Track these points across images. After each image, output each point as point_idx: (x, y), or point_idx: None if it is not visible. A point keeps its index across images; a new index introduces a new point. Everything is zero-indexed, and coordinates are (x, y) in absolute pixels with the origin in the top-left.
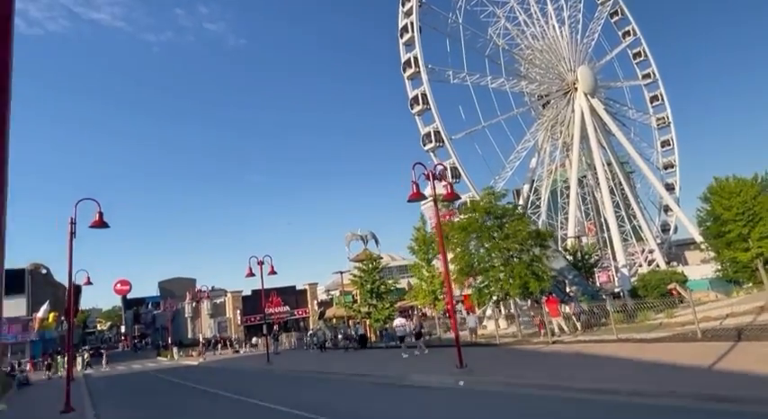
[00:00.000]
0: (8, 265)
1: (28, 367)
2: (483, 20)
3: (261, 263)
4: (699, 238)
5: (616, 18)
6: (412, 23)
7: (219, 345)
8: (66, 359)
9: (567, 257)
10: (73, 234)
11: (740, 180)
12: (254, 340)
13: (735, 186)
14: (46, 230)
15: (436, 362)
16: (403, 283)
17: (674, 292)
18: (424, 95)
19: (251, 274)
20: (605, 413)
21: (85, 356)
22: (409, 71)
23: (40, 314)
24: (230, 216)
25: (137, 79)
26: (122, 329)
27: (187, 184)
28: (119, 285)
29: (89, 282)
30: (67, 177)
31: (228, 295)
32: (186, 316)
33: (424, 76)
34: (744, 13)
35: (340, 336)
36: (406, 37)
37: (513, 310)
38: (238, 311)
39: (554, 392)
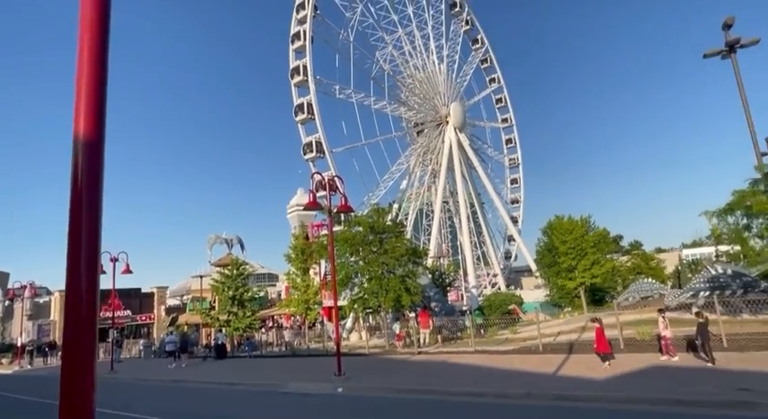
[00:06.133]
0: None
1: None
2: (372, 43)
3: (114, 260)
4: (533, 267)
5: (486, 65)
6: (305, 32)
7: (47, 350)
8: None
9: (428, 275)
10: None
11: (572, 220)
12: None
13: (569, 224)
14: None
15: (312, 370)
16: (262, 293)
17: (515, 312)
18: (309, 105)
19: (101, 272)
20: (478, 412)
21: None
22: (297, 78)
23: None
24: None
25: None
26: None
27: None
28: None
29: None
30: None
31: (56, 294)
32: None
33: (311, 86)
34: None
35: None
36: (297, 44)
37: (379, 322)
38: None
39: (430, 396)
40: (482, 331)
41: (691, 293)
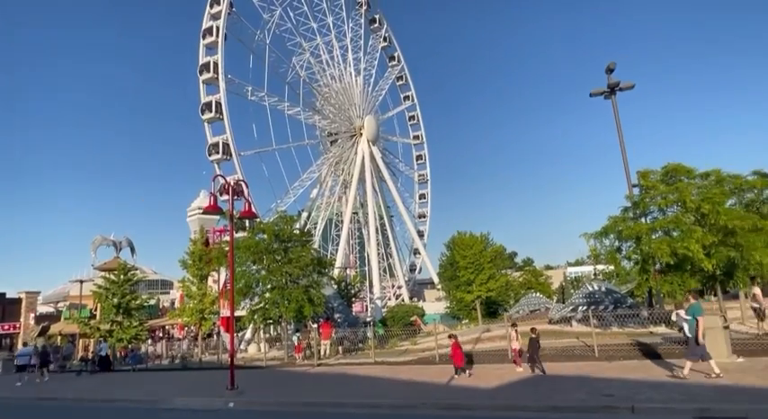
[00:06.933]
0: None
1: None
2: (289, 47)
3: None
4: (436, 280)
5: (401, 83)
6: (218, 28)
7: None
8: None
9: (333, 286)
10: None
11: (474, 236)
12: None
13: (469, 240)
14: None
15: (203, 385)
16: (152, 300)
17: (416, 324)
18: (218, 104)
19: None
20: None
21: None
22: (206, 75)
23: None
24: None
25: None
26: None
27: None
28: None
29: None
30: None
31: None
32: None
33: (221, 85)
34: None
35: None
36: (209, 40)
37: (280, 333)
38: None
39: (325, 408)
40: (384, 342)
41: (571, 307)
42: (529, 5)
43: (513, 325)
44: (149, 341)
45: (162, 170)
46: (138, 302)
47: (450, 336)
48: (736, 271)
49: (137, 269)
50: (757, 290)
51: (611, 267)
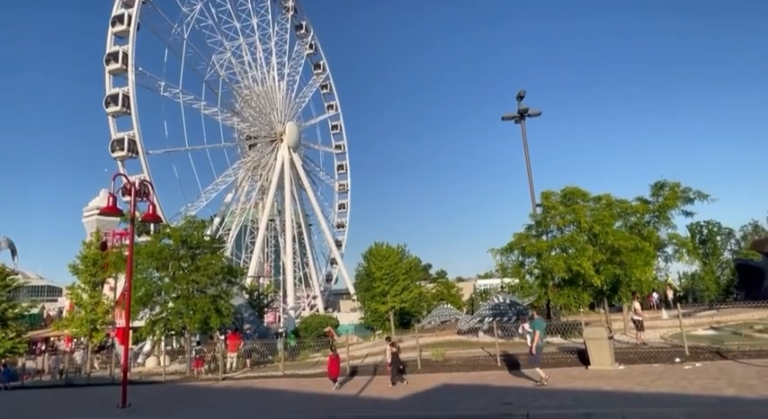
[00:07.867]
0: None
1: None
2: (209, 45)
3: None
4: (352, 290)
5: (325, 91)
6: (130, 17)
7: None
8: None
9: (245, 295)
10: None
11: (390, 247)
12: None
13: (386, 252)
14: None
15: (90, 403)
16: (35, 309)
17: (330, 334)
18: (125, 97)
19: None
20: None
21: None
22: (114, 65)
23: None
24: None
25: None
26: None
27: None
28: None
29: None
30: None
31: None
32: None
33: (130, 77)
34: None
35: None
36: (119, 28)
37: (183, 345)
38: None
39: None
40: (295, 354)
41: (478, 319)
42: (448, 24)
43: (388, 338)
44: (25, 354)
45: (57, 165)
46: (16, 311)
47: (331, 348)
48: (621, 287)
49: (17, 273)
50: (637, 305)
51: (517, 280)
